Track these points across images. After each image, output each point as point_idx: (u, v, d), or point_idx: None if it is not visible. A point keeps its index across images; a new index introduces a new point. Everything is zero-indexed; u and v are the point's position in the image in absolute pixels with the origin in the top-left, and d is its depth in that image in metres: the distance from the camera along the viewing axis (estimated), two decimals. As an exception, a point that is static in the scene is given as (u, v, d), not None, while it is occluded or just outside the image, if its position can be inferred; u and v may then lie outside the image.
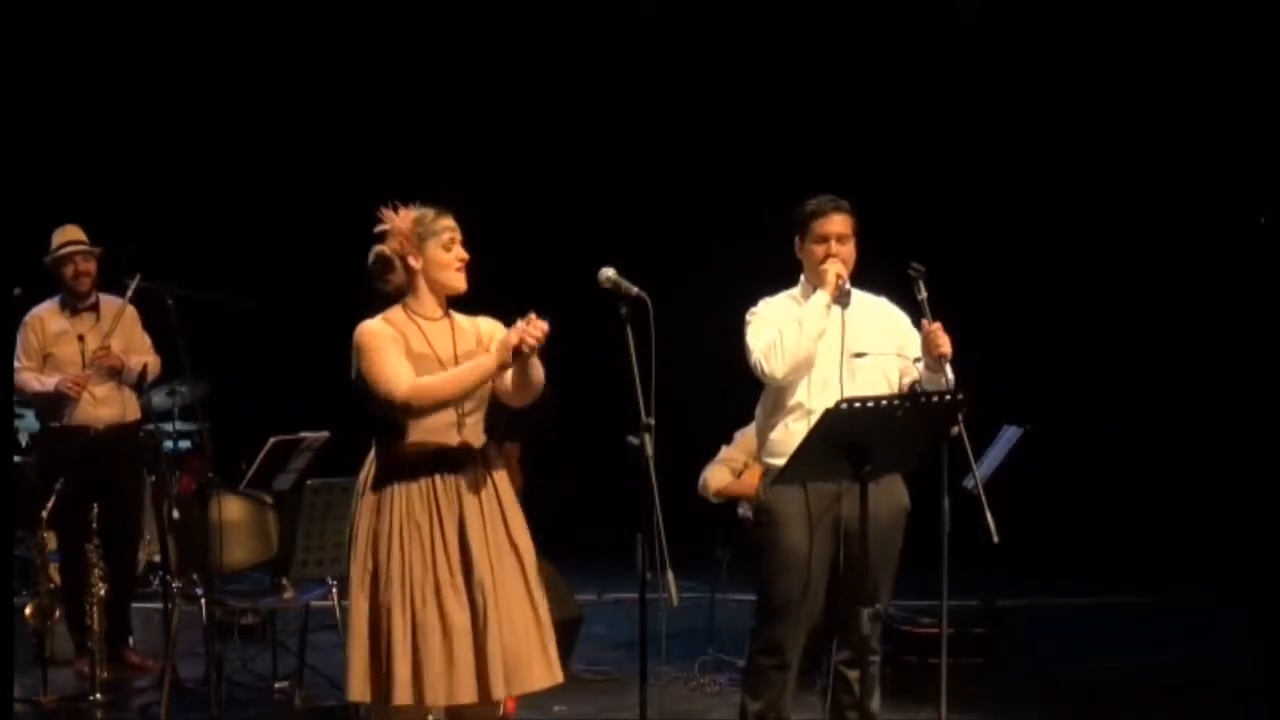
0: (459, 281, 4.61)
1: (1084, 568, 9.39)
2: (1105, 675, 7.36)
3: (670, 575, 4.42)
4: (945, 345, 4.96)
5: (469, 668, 4.46)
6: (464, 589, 4.49)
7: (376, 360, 4.47)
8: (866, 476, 4.69)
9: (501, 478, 4.67)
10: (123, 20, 10.45)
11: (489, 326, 4.70)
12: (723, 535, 7.30)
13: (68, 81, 10.33)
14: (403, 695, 4.45)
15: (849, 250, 5.15)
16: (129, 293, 6.89)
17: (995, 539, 4.76)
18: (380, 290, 4.64)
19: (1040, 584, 9.02)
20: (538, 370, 4.53)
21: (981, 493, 4.82)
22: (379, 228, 4.61)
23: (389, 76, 10.94)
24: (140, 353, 7.05)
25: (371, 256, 4.62)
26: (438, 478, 4.53)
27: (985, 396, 5.03)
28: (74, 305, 7.05)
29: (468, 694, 4.47)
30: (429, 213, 4.59)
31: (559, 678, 4.66)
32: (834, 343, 5.11)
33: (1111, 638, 8.18)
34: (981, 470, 5.47)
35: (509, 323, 4.49)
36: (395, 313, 4.61)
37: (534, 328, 4.38)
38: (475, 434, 4.63)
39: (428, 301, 4.61)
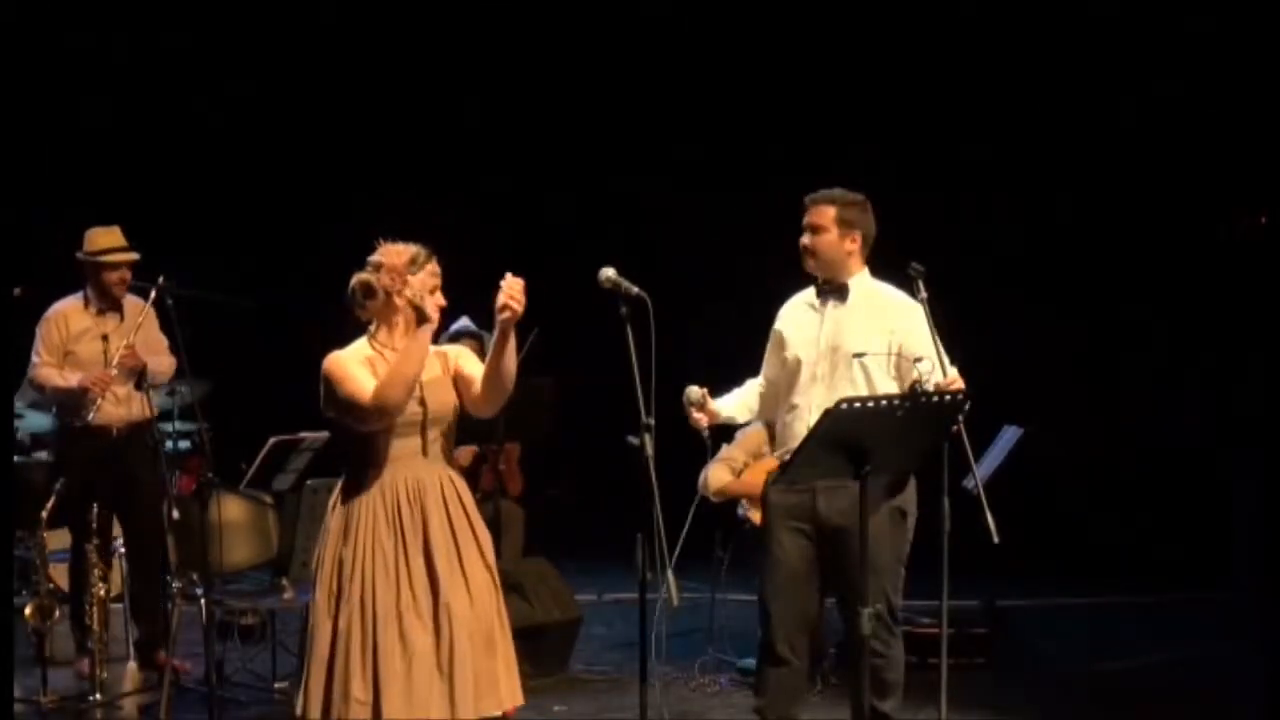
0: (434, 313, 4.65)
1: (1084, 568, 9.38)
2: (1105, 675, 7.36)
3: (670, 575, 4.43)
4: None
5: (430, 690, 4.50)
6: (429, 612, 4.54)
7: (345, 382, 4.56)
8: (867, 476, 4.69)
9: (470, 502, 4.72)
10: (124, 21, 10.45)
11: (455, 351, 4.81)
12: (723, 535, 7.31)
13: (68, 81, 10.33)
14: (360, 715, 4.49)
15: (821, 241, 5.19)
16: (153, 294, 6.86)
17: (995, 539, 4.76)
18: (355, 316, 4.70)
19: (1040, 584, 9.02)
20: (512, 359, 4.54)
21: (981, 493, 4.82)
22: (372, 258, 4.65)
23: (389, 75, 10.94)
24: (157, 353, 7.01)
25: (355, 283, 4.67)
26: (403, 503, 4.59)
27: (985, 396, 5.04)
28: (100, 305, 7.02)
29: (428, 711, 4.50)
30: (421, 253, 4.65)
31: (519, 699, 4.72)
32: (821, 339, 5.18)
33: (1111, 638, 8.18)
34: (981, 470, 5.46)
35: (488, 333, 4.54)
36: (361, 344, 4.70)
37: (511, 288, 4.41)
38: (441, 459, 4.70)
39: (398, 333, 4.68)
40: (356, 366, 4.59)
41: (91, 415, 6.83)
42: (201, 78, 10.66)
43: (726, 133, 10.75)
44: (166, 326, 6.78)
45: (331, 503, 4.71)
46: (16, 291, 6.79)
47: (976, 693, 6.60)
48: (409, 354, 4.51)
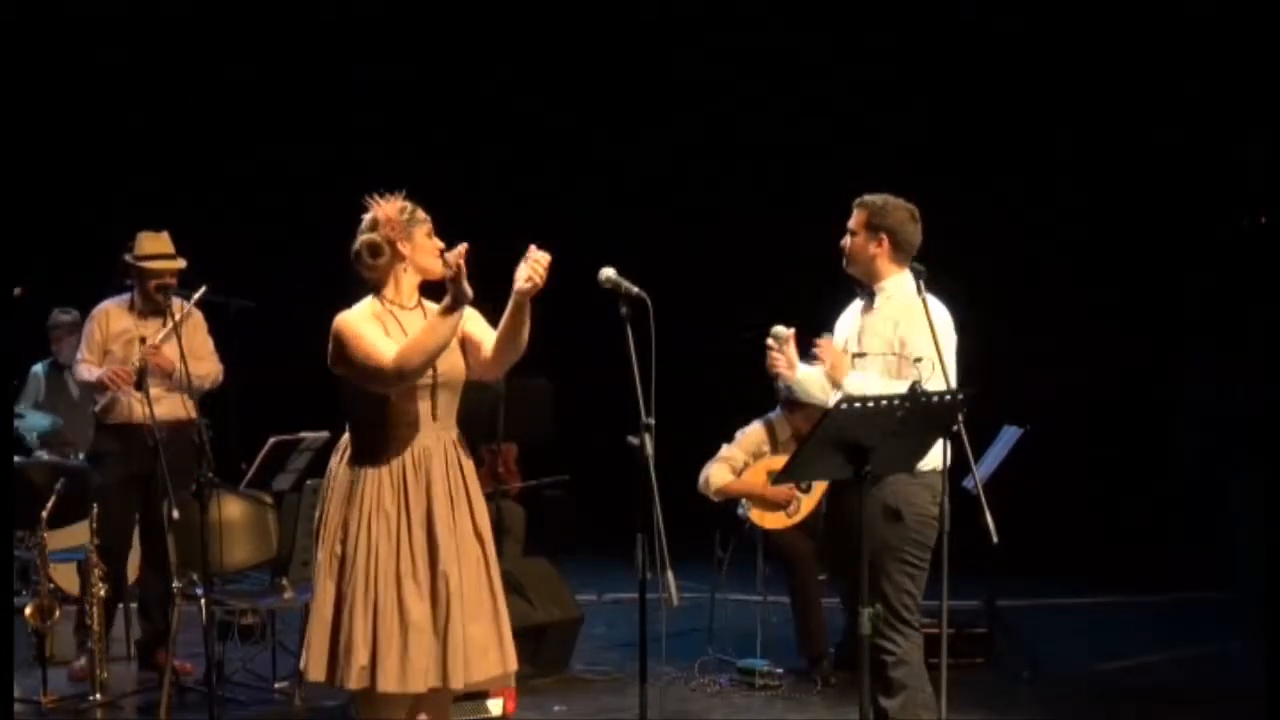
0: (440, 267, 4.64)
1: (1084, 568, 9.38)
2: (1105, 675, 7.36)
3: (670, 575, 4.42)
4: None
5: (425, 658, 4.53)
6: (426, 580, 4.56)
7: (360, 342, 4.56)
8: (867, 476, 4.69)
9: (470, 468, 4.73)
10: (130, 25, 10.46)
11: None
12: (722, 535, 7.31)
13: (70, 83, 10.34)
14: (359, 680, 4.52)
15: (850, 243, 5.26)
16: (193, 299, 6.87)
17: (995, 539, 4.76)
18: (363, 277, 4.71)
19: (1040, 584, 9.02)
20: (527, 326, 4.57)
21: (981, 493, 4.81)
22: (366, 215, 4.69)
23: (388, 77, 10.94)
24: (201, 358, 6.98)
25: (360, 243, 4.69)
26: (409, 467, 4.60)
27: (985, 396, 5.04)
28: (143, 307, 7.02)
29: (423, 683, 4.53)
30: (407, 205, 4.70)
31: (512, 665, 4.72)
32: (848, 341, 5.25)
33: (1111, 638, 8.18)
34: (981, 470, 5.46)
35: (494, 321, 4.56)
36: (370, 303, 4.71)
37: (538, 262, 4.45)
38: (447, 424, 4.70)
39: (405, 289, 4.71)
40: (370, 326, 4.60)
41: (113, 413, 6.83)
42: (202, 79, 10.68)
43: (729, 132, 10.75)
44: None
45: (334, 463, 4.70)
46: (17, 291, 6.80)
47: (976, 693, 6.61)
48: (437, 329, 4.50)
